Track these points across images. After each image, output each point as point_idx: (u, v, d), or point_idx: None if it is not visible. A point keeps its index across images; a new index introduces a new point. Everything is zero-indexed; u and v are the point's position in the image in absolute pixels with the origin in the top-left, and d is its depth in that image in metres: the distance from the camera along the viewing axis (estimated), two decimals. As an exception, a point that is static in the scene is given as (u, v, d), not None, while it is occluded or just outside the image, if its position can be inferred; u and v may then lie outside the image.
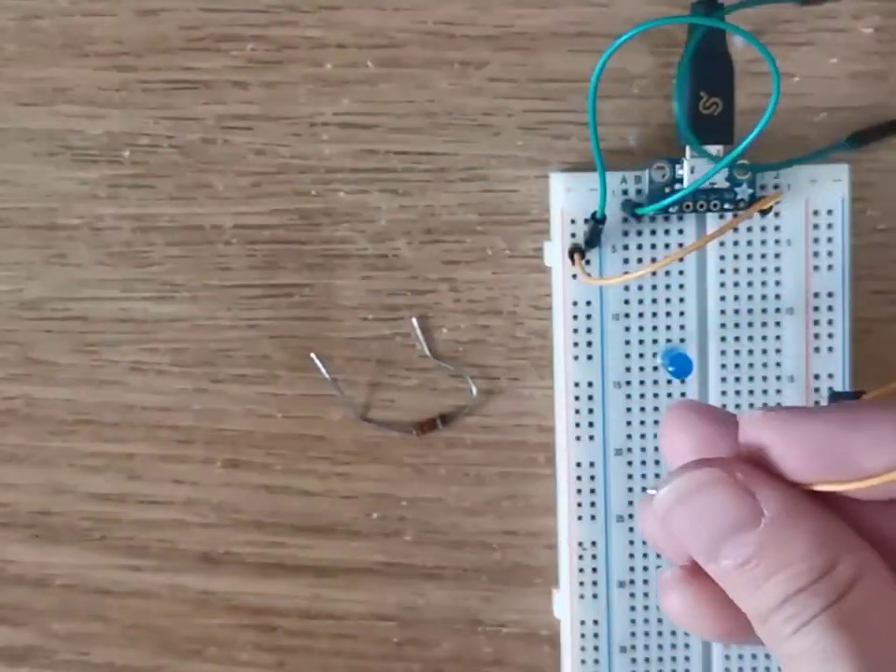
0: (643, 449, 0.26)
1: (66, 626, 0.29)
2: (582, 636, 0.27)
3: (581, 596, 0.27)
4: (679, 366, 0.25)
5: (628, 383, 0.26)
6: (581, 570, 0.27)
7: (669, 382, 0.26)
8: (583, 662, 0.27)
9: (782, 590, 0.18)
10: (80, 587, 0.29)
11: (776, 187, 0.26)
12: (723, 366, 0.26)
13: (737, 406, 0.26)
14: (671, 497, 0.18)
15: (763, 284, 0.26)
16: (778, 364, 0.26)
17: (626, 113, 0.27)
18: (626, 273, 0.26)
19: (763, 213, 0.26)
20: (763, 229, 0.26)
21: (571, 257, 0.25)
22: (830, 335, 0.26)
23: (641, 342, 0.26)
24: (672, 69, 0.26)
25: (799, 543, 0.18)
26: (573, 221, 0.26)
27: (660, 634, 0.27)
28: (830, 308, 0.26)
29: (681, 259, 0.26)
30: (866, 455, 0.17)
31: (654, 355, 0.26)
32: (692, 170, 0.25)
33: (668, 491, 0.18)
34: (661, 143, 0.27)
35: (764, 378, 0.26)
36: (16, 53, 0.27)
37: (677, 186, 0.25)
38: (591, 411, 0.26)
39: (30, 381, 0.28)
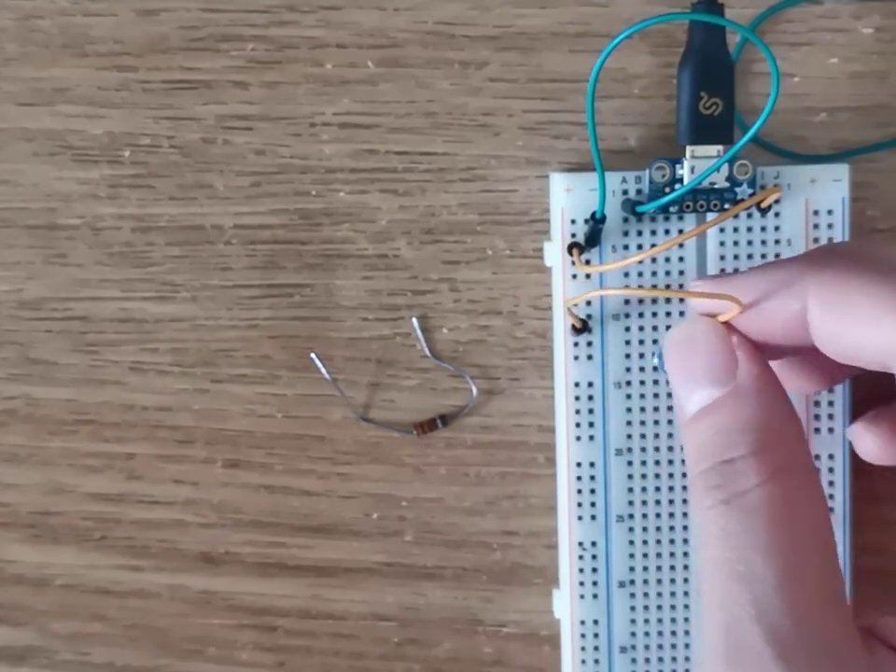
0: (643, 449, 0.26)
1: (66, 626, 0.29)
2: (582, 636, 0.27)
3: (581, 596, 0.27)
4: None
5: (628, 383, 0.26)
6: (581, 570, 0.27)
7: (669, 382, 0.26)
8: (583, 662, 0.27)
9: (719, 453, 0.19)
10: (80, 587, 0.29)
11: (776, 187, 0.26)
12: (723, 366, 0.26)
13: (737, 406, 0.26)
14: (675, 336, 0.21)
15: (763, 284, 0.26)
16: (778, 364, 0.26)
17: (626, 113, 0.27)
18: (626, 273, 0.26)
19: (763, 212, 0.26)
20: (763, 229, 0.26)
21: (570, 252, 0.25)
22: (830, 335, 0.26)
23: (641, 342, 0.26)
24: (672, 69, 0.26)
25: (752, 416, 0.20)
26: (573, 221, 0.26)
27: (660, 634, 0.27)
28: (830, 308, 0.26)
29: (681, 259, 0.26)
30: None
31: (654, 355, 0.26)
32: (692, 170, 0.25)
33: (675, 329, 0.22)
34: (661, 143, 0.27)
35: (764, 378, 0.26)
36: (16, 53, 0.27)
37: (677, 186, 0.25)
38: (591, 411, 0.26)
39: (30, 381, 0.28)
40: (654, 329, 0.26)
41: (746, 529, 0.19)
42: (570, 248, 0.25)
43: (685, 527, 0.27)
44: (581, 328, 0.26)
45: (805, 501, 0.19)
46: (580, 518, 0.26)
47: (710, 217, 0.25)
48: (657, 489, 0.26)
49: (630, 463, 0.26)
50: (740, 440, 0.20)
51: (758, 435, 0.19)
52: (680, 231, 0.26)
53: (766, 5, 0.26)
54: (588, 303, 0.26)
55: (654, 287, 0.25)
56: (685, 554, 0.26)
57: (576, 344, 0.26)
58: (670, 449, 0.26)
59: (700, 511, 0.20)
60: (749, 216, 0.26)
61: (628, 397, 0.26)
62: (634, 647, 0.27)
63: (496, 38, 0.26)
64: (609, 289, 0.25)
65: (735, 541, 0.19)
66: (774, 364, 0.21)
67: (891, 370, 0.18)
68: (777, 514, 0.19)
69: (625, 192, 0.25)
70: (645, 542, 0.26)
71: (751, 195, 0.25)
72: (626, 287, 0.25)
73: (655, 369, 0.26)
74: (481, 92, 0.27)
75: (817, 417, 0.26)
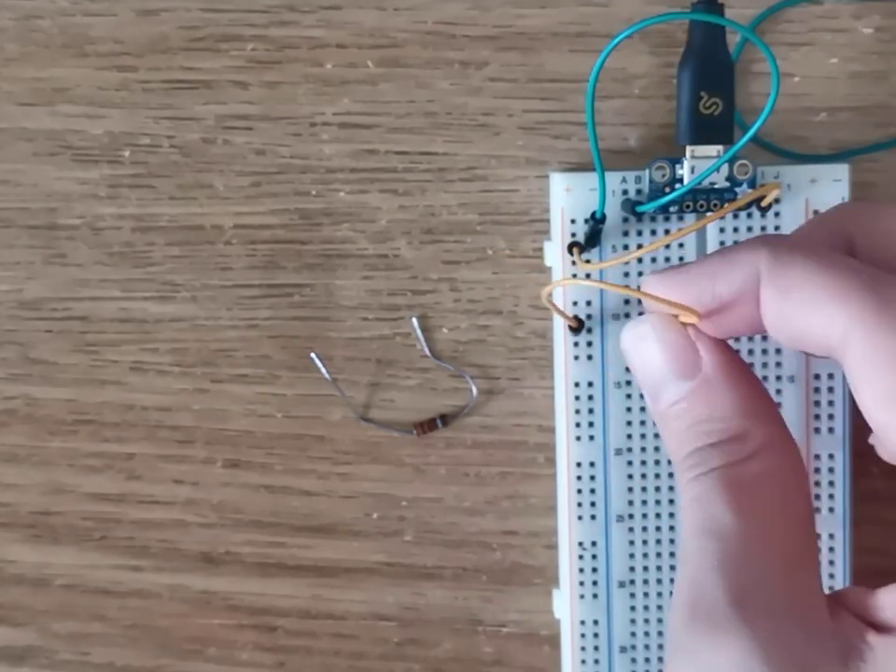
0: (643, 449, 0.26)
1: (66, 626, 0.29)
2: (582, 636, 0.27)
3: (582, 596, 0.27)
4: None
5: (628, 383, 0.26)
6: (581, 570, 0.27)
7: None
8: (583, 662, 0.27)
9: (697, 440, 0.20)
10: (80, 587, 0.29)
11: (776, 187, 0.26)
12: (723, 366, 0.26)
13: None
14: (629, 336, 0.21)
15: (763, 284, 0.26)
16: (778, 364, 0.26)
17: (626, 113, 0.27)
18: (626, 273, 0.26)
19: (763, 211, 0.26)
20: (763, 229, 0.26)
21: (570, 251, 0.25)
22: (830, 335, 0.26)
23: (641, 342, 0.26)
24: (672, 69, 0.26)
25: (724, 404, 0.20)
26: (573, 221, 0.26)
27: (660, 634, 0.27)
28: (830, 308, 0.26)
29: (682, 259, 0.26)
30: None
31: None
32: (692, 170, 0.25)
33: (628, 329, 0.21)
34: (661, 143, 0.27)
35: (765, 378, 0.26)
36: (16, 53, 0.27)
37: (677, 186, 0.25)
38: (591, 411, 0.26)
39: (30, 381, 0.28)
40: (654, 328, 0.26)
41: (718, 494, 0.20)
42: (570, 248, 0.25)
43: (685, 527, 0.26)
44: (577, 327, 0.26)
45: (779, 475, 0.20)
46: (580, 518, 0.26)
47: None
48: (657, 489, 0.26)
49: (630, 463, 0.26)
50: (715, 428, 0.20)
51: (732, 421, 0.20)
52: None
53: (766, 5, 0.26)
54: (588, 303, 0.26)
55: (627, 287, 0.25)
56: (685, 554, 0.26)
57: (576, 344, 0.26)
58: (670, 449, 0.26)
59: (681, 491, 0.21)
60: (749, 215, 0.26)
61: (628, 397, 0.26)
62: (634, 647, 0.27)
63: (496, 38, 0.26)
64: (569, 280, 0.25)
65: (707, 504, 0.20)
66: None
67: (834, 355, 0.18)
68: (748, 483, 0.20)
69: (625, 192, 0.25)
70: (645, 542, 0.26)
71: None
72: (600, 282, 0.25)
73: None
74: (481, 92, 0.27)
75: (817, 417, 0.26)
